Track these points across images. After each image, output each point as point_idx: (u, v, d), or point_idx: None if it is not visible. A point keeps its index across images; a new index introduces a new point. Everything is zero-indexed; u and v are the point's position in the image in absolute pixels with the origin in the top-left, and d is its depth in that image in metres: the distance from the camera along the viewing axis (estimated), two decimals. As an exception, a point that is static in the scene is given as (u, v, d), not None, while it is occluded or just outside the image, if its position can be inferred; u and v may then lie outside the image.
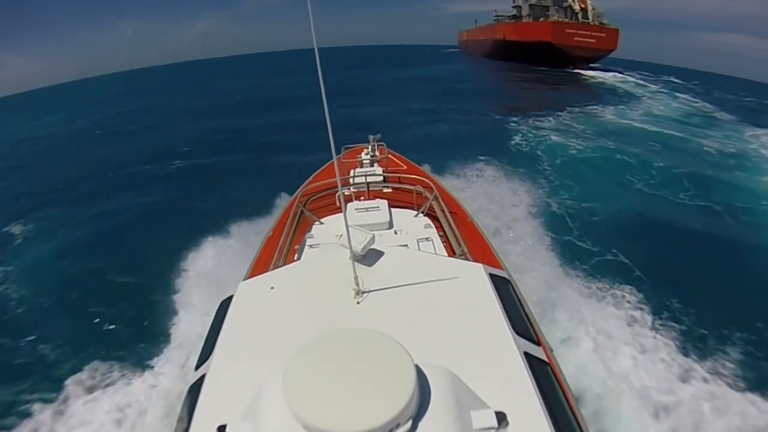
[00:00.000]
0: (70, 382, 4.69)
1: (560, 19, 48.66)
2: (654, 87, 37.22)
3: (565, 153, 14.06)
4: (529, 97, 29.20)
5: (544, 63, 48.02)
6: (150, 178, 13.18)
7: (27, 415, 4.44)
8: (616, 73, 45.33)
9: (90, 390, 4.61)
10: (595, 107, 23.33)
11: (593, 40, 46.87)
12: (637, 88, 35.16)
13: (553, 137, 15.86)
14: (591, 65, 49.11)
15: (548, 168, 12.41)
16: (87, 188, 12.75)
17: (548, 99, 26.93)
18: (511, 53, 54.29)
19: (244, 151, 15.31)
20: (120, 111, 31.25)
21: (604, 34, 47.00)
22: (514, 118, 19.10)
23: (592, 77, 41.76)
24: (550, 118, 19.46)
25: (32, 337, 5.78)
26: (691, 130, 19.48)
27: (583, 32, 46.93)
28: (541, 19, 50.73)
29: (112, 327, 5.88)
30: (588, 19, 48.12)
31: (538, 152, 14.02)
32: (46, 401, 4.51)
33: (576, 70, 47.07)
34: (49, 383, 4.81)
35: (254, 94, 31.66)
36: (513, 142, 15.22)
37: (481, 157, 11.66)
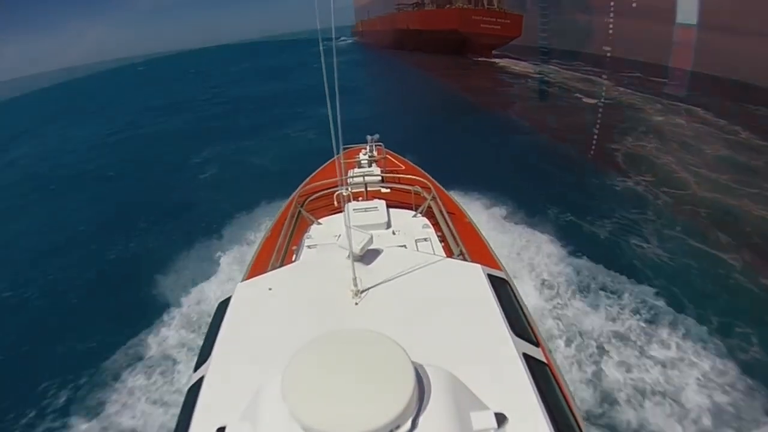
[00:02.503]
0: None
1: (465, 6, 45.80)
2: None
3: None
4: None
5: (448, 51, 44.68)
6: None
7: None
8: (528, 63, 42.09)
9: None
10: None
11: (498, 27, 44.18)
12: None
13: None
14: (494, 53, 46.61)
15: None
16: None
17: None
18: (416, 43, 50.62)
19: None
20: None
21: (508, 21, 44.57)
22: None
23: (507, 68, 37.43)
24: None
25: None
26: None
27: (489, 19, 44.09)
28: (447, 6, 47.66)
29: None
30: (493, 5, 45.81)
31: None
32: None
33: (482, 58, 44.08)
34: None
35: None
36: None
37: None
